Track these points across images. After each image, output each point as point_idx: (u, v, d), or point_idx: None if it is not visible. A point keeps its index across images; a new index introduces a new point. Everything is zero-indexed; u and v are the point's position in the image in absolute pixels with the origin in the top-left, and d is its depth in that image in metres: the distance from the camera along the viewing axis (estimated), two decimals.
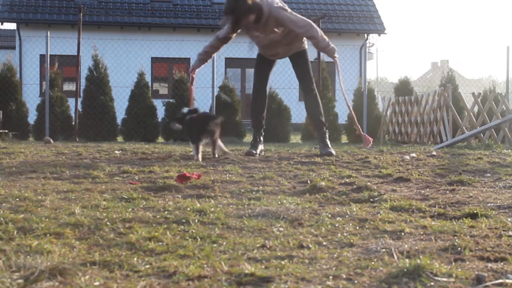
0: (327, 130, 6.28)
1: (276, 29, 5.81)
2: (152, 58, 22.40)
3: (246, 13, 5.57)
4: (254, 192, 3.55)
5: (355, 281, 1.80)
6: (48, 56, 12.53)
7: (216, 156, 5.61)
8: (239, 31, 5.91)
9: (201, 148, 5.44)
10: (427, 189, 3.80)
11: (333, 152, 6.06)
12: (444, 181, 4.13)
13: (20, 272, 1.80)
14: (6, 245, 2.17)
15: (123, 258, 2.03)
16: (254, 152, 6.02)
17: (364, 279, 1.82)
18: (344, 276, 1.85)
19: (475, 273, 1.85)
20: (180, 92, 12.74)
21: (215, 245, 2.24)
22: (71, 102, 12.81)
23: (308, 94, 6.23)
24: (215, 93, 12.86)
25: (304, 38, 6.07)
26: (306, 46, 6.17)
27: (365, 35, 24.04)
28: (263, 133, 6.35)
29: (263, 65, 6.25)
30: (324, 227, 2.57)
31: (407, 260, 1.94)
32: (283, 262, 1.99)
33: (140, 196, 3.31)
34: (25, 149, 6.73)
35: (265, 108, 6.31)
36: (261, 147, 6.26)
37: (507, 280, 1.79)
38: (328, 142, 6.25)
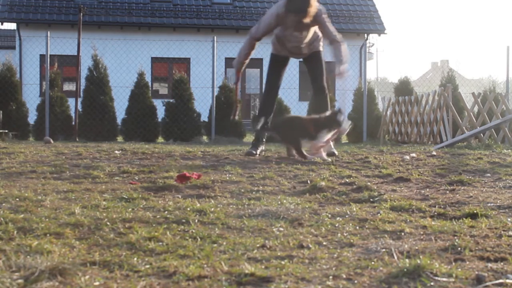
0: None
1: (310, 26, 5.86)
2: (152, 58, 22.38)
3: (310, 14, 5.60)
4: (254, 192, 3.55)
5: (355, 281, 1.80)
6: (48, 56, 12.53)
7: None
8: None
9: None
10: (427, 189, 3.80)
11: (336, 152, 6.09)
12: (444, 181, 4.13)
13: (20, 272, 1.79)
14: (6, 245, 2.17)
15: (123, 258, 2.03)
16: (254, 152, 6.02)
17: (364, 279, 1.82)
18: (344, 276, 1.85)
19: (475, 273, 1.85)
20: (180, 92, 12.72)
21: (215, 245, 2.24)
22: (71, 102, 12.80)
23: (320, 93, 6.22)
24: (215, 93, 12.85)
25: (322, 40, 6.12)
26: (322, 48, 6.19)
27: (365, 35, 24.00)
28: (266, 134, 6.35)
29: (278, 66, 6.24)
30: (324, 227, 2.57)
31: (407, 260, 1.94)
32: (283, 262, 1.99)
33: (140, 196, 3.31)
34: (25, 149, 6.73)
35: (273, 109, 6.28)
36: (262, 147, 6.26)
37: (507, 280, 1.79)
38: (331, 142, 6.26)
